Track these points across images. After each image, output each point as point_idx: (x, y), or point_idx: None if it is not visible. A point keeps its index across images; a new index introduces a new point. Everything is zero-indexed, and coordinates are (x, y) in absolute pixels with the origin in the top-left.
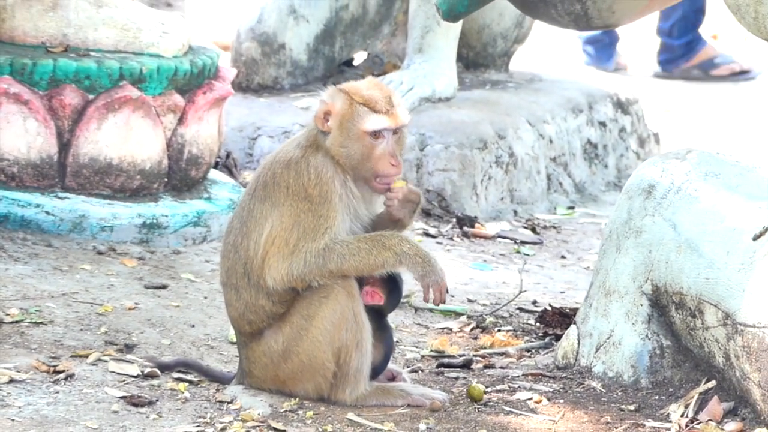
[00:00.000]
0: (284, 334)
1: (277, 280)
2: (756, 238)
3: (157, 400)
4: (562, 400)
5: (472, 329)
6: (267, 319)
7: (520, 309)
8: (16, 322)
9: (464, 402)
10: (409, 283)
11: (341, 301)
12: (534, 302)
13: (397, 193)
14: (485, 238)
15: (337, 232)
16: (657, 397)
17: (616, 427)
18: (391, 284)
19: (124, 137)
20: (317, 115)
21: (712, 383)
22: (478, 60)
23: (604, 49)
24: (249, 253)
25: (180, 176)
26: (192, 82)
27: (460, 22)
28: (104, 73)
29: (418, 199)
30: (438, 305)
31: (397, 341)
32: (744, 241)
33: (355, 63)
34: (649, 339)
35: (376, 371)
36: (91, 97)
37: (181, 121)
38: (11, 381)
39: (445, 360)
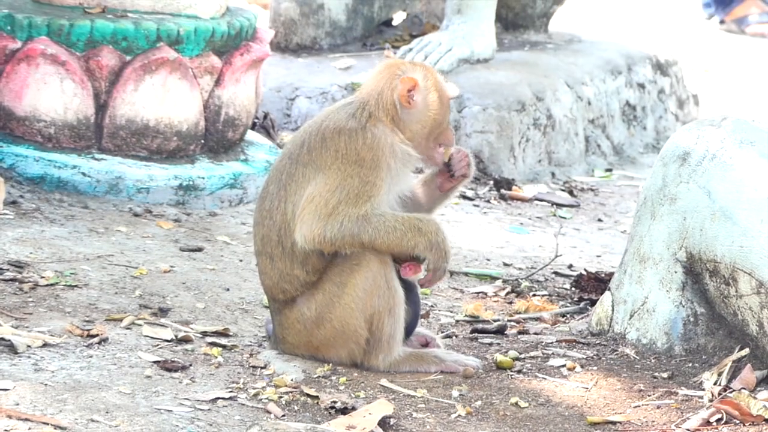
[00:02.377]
0: (317, 301)
1: (308, 239)
2: None
3: (191, 365)
4: (595, 367)
5: (507, 294)
6: (301, 287)
7: (556, 273)
8: (51, 285)
9: (497, 369)
10: None
11: (373, 268)
12: (570, 266)
13: (462, 153)
14: (522, 200)
15: (379, 203)
16: (690, 365)
17: (649, 395)
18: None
19: (161, 99)
20: (401, 93)
21: (746, 351)
22: (517, 21)
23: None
24: (286, 217)
25: (217, 138)
26: (229, 43)
27: None
28: (141, 35)
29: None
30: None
31: (431, 306)
32: None
33: (394, 23)
34: (683, 306)
35: (407, 331)
36: (128, 58)
37: (218, 82)
38: (45, 345)
39: (479, 325)
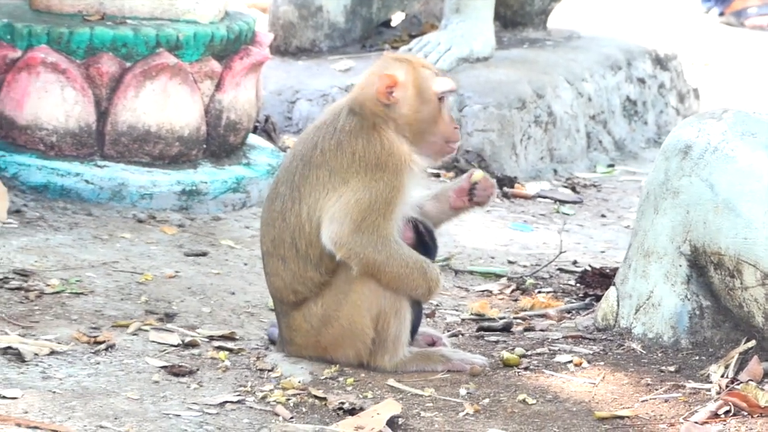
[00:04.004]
0: (324, 300)
1: (333, 239)
2: None
3: (198, 370)
4: (602, 362)
5: (513, 291)
6: (315, 288)
7: (561, 270)
8: (57, 292)
9: (503, 366)
10: (448, 246)
11: None
12: (574, 262)
13: (489, 183)
14: (525, 198)
15: (399, 215)
16: (697, 358)
17: (657, 389)
18: (422, 249)
19: (162, 104)
20: (379, 90)
21: (752, 343)
22: (515, 18)
23: None
24: (300, 219)
25: (218, 142)
26: (229, 47)
27: None
28: (141, 41)
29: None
30: None
31: (437, 305)
32: None
33: (393, 24)
34: (689, 299)
35: (412, 332)
36: (128, 64)
37: (218, 87)
38: (52, 353)
39: (485, 323)
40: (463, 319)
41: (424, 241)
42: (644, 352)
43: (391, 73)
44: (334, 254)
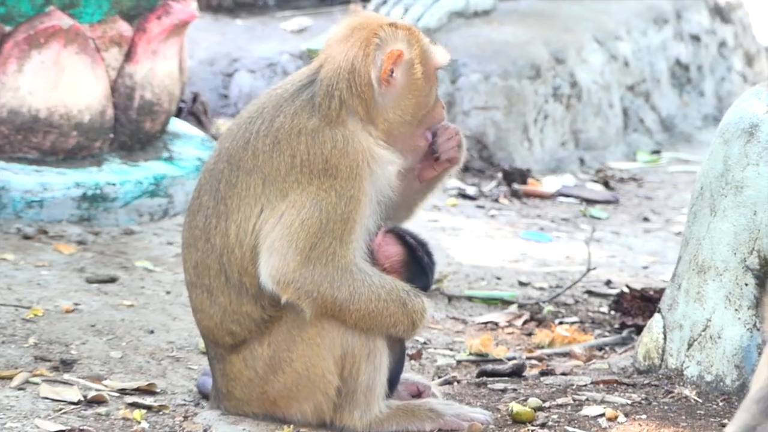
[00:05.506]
0: (272, 339)
1: (276, 277)
2: None
3: None
4: (644, 416)
5: (525, 322)
6: (255, 327)
7: (589, 293)
8: None
9: (513, 423)
10: (439, 263)
11: None
12: (607, 283)
13: (451, 130)
14: (541, 197)
15: (361, 233)
16: None
17: None
18: (415, 268)
19: (54, 81)
20: (384, 69)
21: None
22: None
23: None
24: (228, 240)
25: (130, 130)
26: (141, 3)
27: None
28: None
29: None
30: None
31: (424, 342)
32: None
33: None
34: (758, 329)
35: (391, 381)
36: (7, 29)
37: (128, 56)
38: None
39: (489, 366)
40: (459, 361)
41: (417, 259)
42: (700, 400)
43: (398, 48)
44: (278, 296)
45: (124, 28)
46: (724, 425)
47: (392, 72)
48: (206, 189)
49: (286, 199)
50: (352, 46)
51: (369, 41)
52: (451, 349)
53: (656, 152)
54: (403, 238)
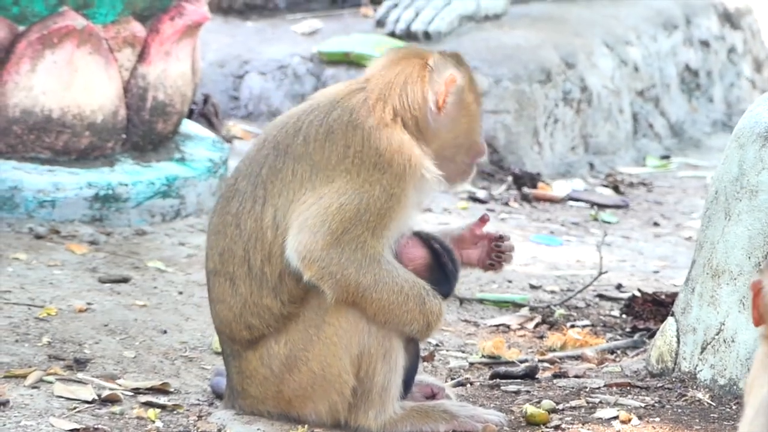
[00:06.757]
0: (289, 337)
1: (302, 253)
2: None
3: None
4: (657, 418)
5: (537, 325)
6: (274, 322)
7: (600, 296)
8: None
9: (527, 425)
10: None
11: None
12: (618, 286)
13: (510, 246)
14: (552, 201)
15: (394, 232)
16: None
17: None
18: (439, 273)
19: (67, 81)
20: (442, 93)
21: None
22: None
23: None
24: (261, 224)
25: (143, 131)
26: (155, 4)
27: None
28: None
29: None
30: None
31: (436, 345)
32: None
33: None
34: None
35: (406, 382)
36: (21, 29)
37: (141, 57)
38: None
39: (502, 368)
40: (471, 364)
41: (441, 264)
42: (714, 404)
43: (452, 73)
44: (300, 273)
45: (138, 28)
46: (737, 428)
47: (447, 98)
48: (245, 174)
49: (331, 185)
50: (403, 70)
51: (422, 66)
52: (464, 351)
53: (665, 157)
54: (428, 242)
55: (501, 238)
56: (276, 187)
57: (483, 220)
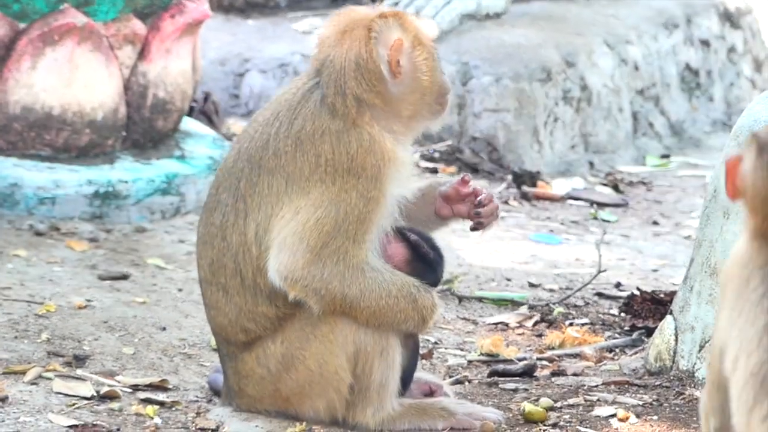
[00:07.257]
0: (285, 336)
1: (283, 274)
2: None
3: (118, 430)
4: (655, 416)
5: (536, 324)
6: (270, 325)
7: (599, 295)
8: None
9: (524, 423)
10: (450, 264)
11: None
12: (617, 285)
13: (494, 205)
14: (551, 200)
15: (376, 233)
16: None
17: None
18: (421, 264)
19: (67, 79)
20: (391, 61)
21: None
22: None
23: None
24: (246, 239)
25: (143, 128)
26: (156, 2)
27: None
28: None
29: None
30: None
31: (435, 342)
32: None
33: None
34: None
35: (405, 380)
36: (22, 26)
37: (142, 55)
38: None
39: (500, 366)
40: (470, 361)
41: (422, 255)
42: None
43: (392, 35)
44: (285, 293)
45: (138, 26)
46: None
47: (398, 62)
48: (225, 186)
49: (307, 197)
50: (350, 47)
51: (367, 38)
52: (462, 349)
53: (665, 156)
54: (405, 235)
55: (480, 203)
56: (255, 201)
57: (464, 180)
